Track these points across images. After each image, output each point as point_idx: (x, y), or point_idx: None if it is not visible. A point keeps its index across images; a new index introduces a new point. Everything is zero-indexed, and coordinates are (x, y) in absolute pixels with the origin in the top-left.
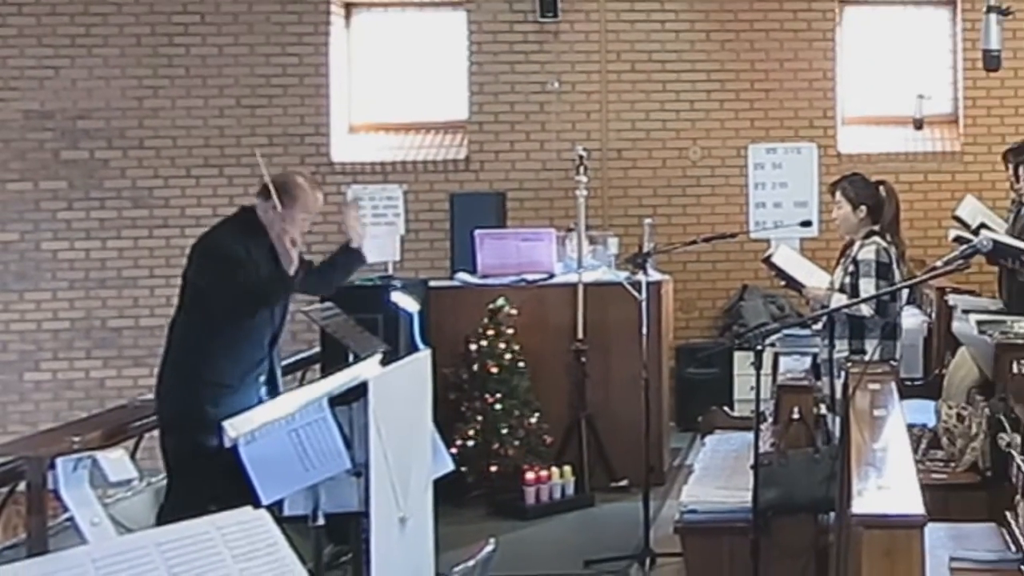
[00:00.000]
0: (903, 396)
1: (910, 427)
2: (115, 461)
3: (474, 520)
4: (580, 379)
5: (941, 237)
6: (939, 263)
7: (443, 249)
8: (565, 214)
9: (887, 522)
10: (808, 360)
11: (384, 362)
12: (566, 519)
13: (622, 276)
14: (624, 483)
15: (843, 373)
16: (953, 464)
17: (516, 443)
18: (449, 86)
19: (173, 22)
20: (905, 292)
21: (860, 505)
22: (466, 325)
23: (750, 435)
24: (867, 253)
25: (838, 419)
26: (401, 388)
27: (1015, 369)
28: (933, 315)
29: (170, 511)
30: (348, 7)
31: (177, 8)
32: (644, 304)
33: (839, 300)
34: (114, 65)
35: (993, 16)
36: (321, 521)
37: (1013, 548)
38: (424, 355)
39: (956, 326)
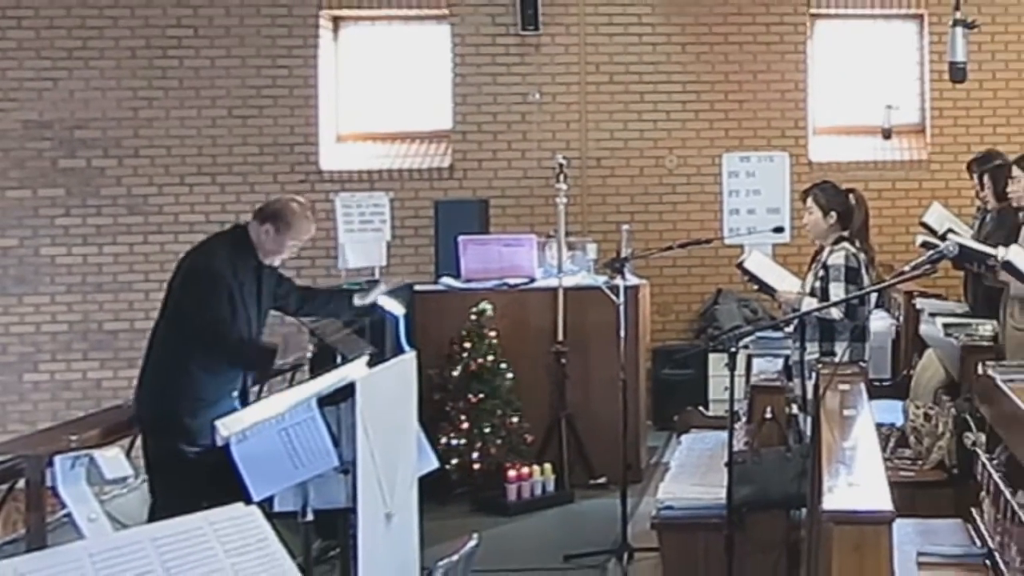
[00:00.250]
0: (872, 396)
1: (879, 426)
2: (111, 459)
3: (458, 516)
4: (560, 380)
5: (909, 243)
6: (907, 268)
7: (428, 254)
8: (546, 220)
9: (857, 518)
10: (780, 362)
11: (371, 364)
12: (547, 515)
13: (601, 280)
14: (603, 480)
15: (814, 374)
16: (920, 462)
17: (498, 442)
18: (433, 97)
19: (167, 36)
20: (874, 296)
21: (830, 501)
22: (450, 328)
23: (724, 434)
24: (837, 258)
25: (809, 418)
26: (387, 389)
27: (980, 370)
28: (901, 318)
29: (159, 511)
30: (336, 21)
31: (171, 22)
32: (622, 307)
33: (810, 304)
34: (110, 77)
35: (959, 29)
36: (310, 517)
37: (978, 543)
38: (410, 357)
39: (923, 329)
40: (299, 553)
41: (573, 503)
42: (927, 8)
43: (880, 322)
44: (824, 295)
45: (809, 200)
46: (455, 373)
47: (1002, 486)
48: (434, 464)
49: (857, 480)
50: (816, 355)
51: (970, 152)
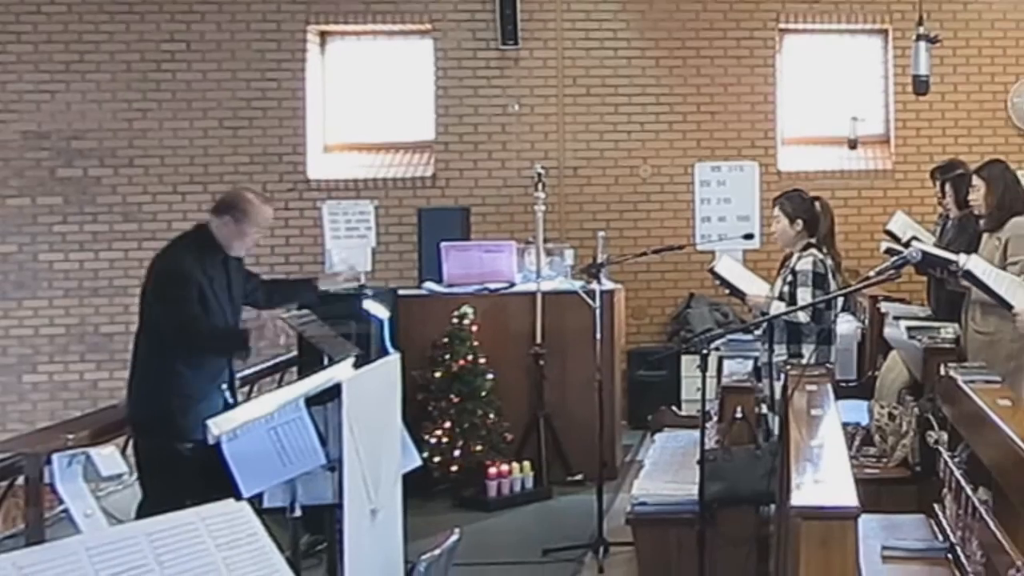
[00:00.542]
0: (838, 397)
1: (845, 425)
2: (107, 457)
3: (440, 512)
4: (538, 381)
5: (874, 249)
6: (872, 273)
7: (411, 260)
8: (525, 227)
9: (823, 513)
10: (750, 363)
11: (356, 365)
12: (525, 511)
13: (577, 285)
14: (579, 477)
15: (782, 375)
16: (885, 460)
17: (479, 440)
18: (417, 109)
19: (161, 50)
20: (840, 300)
21: (798, 498)
22: (433, 331)
23: (696, 433)
24: (804, 264)
25: (778, 418)
26: (372, 389)
27: (942, 371)
28: (866, 321)
29: (148, 508)
30: (323, 36)
31: (164, 37)
32: (598, 311)
33: (778, 308)
34: (106, 89)
35: (922, 44)
36: (298, 513)
37: (940, 538)
38: (394, 359)
39: (888, 332)
40: (288, 547)
41: (551, 499)
42: (892, 23)
43: (846, 325)
44: (792, 299)
45: (777, 208)
46: (438, 374)
47: (963, 483)
48: (417, 462)
49: (824, 477)
50: (784, 357)
51: (933, 162)
